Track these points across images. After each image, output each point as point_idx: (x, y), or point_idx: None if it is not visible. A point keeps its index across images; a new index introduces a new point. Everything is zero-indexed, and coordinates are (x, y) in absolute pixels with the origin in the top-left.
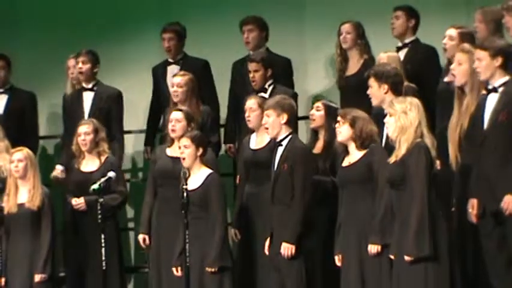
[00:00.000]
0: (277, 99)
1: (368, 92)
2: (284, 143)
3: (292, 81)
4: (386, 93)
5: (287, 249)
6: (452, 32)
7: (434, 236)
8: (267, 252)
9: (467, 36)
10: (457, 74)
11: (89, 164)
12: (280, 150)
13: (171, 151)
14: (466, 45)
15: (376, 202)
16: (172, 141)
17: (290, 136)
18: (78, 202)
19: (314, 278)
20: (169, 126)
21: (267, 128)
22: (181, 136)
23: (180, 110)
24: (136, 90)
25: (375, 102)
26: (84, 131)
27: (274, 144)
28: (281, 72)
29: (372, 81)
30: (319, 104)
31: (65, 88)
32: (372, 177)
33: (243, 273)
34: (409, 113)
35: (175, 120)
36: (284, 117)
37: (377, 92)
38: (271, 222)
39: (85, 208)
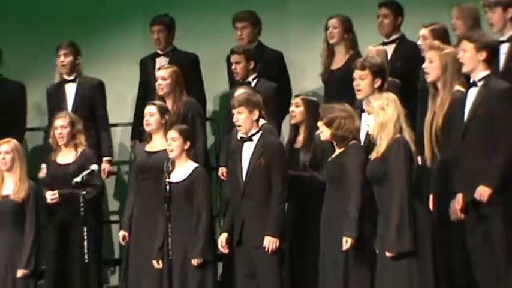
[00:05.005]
0: (245, 96)
1: (356, 84)
2: (255, 138)
3: (286, 74)
4: (378, 88)
5: (271, 242)
6: (424, 31)
7: (416, 231)
8: (223, 249)
9: (438, 32)
10: (429, 71)
11: (65, 156)
12: (249, 145)
13: (149, 146)
14: (436, 43)
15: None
16: (150, 137)
17: (261, 131)
18: (52, 195)
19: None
20: (144, 121)
21: (239, 126)
22: (156, 129)
23: (154, 104)
24: (122, 82)
25: (362, 95)
26: (61, 124)
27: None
28: (273, 66)
29: (367, 74)
30: (297, 100)
31: (54, 77)
32: (343, 177)
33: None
34: (387, 109)
35: (149, 114)
36: (256, 114)
37: (369, 86)
38: (237, 215)
39: (58, 201)
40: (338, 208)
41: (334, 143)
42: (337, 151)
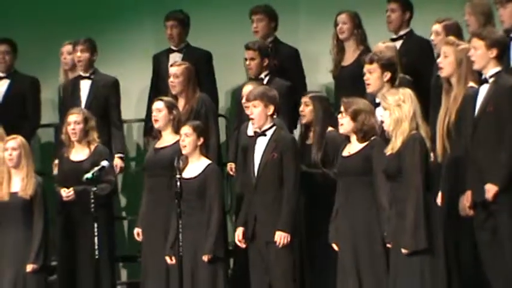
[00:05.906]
0: (262, 90)
1: (366, 78)
2: (269, 133)
3: (301, 70)
4: (388, 81)
5: (283, 237)
6: (437, 26)
7: (430, 228)
8: (240, 243)
9: (452, 28)
10: (443, 66)
11: (79, 153)
12: (263, 140)
13: (158, 143)
14: (451, 38)
15: (379, 197)
16: (160, 134)
17: (275, 127)
18: (68, 193)
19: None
20: (152, 117)
21: (253, 119)
22: (164, 125)
23: (161, 100)
24: (130, 79)
25: (371, 89)
26: (74, 120)
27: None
28: (289, 62)
29: (375, 68)
30: (306, 99)
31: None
32: (369, 170)
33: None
34: (403, 105)
35: (156, 110)
36: (271, 109)
37: (378, 79)
38: (250, 210)
39: (74, 198)
40: (365, 202)
41: (355, 137)
42: (359, 145)
